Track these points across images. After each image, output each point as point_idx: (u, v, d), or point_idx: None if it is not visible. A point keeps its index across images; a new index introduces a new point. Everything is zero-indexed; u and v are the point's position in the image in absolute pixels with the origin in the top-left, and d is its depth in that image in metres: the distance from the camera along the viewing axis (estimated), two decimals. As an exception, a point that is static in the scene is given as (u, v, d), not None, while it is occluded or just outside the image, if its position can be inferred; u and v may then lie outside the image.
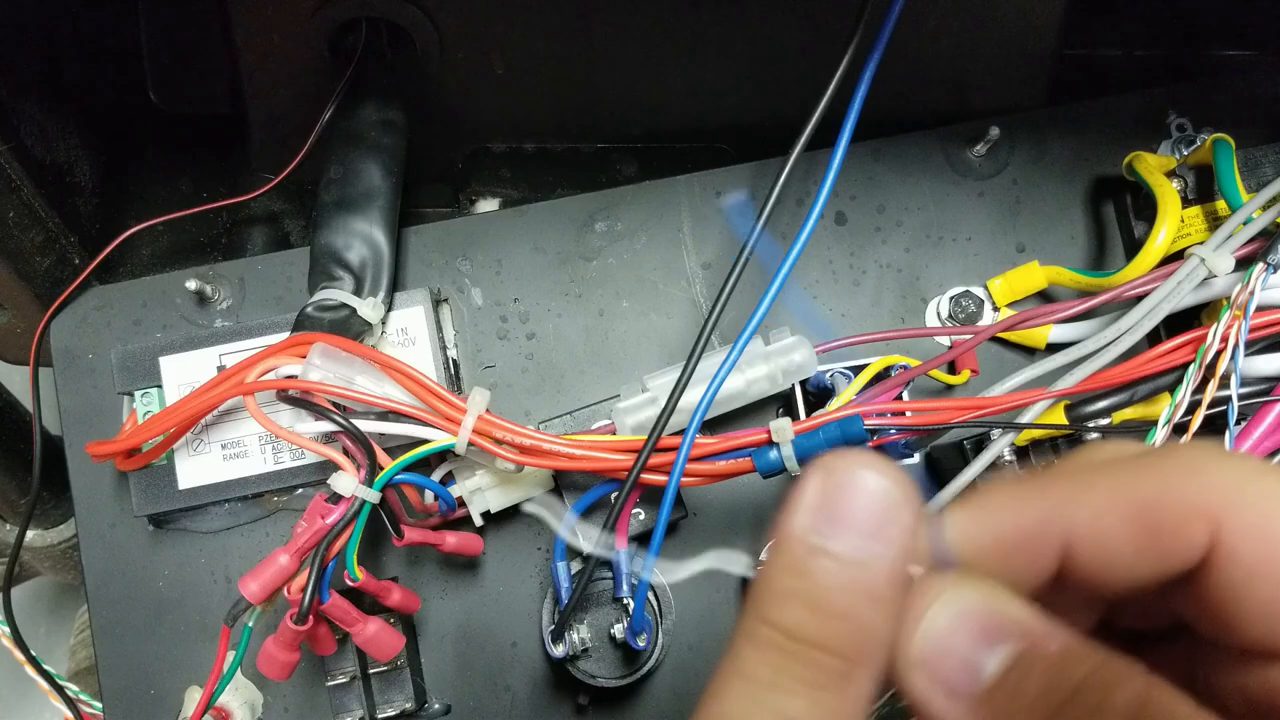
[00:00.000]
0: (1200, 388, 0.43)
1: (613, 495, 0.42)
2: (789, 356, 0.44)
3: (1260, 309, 0.43)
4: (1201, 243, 0.44)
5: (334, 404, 0.41)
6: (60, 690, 0.51)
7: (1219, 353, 0.43)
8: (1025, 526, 0.21)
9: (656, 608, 0.46)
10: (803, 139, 0.42)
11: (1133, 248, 0.49)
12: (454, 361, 0.48)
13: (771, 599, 0.20)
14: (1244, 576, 0.20)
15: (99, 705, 0.48)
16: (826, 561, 0.20)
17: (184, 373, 0.46)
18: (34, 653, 0.50)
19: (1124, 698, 0.18)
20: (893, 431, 0.43)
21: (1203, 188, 0.47)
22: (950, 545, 0.22)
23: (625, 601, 0.44)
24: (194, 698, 0.45)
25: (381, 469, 0.41)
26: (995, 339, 0.48)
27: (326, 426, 0.41)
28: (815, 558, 0.20)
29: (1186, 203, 0.46)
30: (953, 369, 0.48)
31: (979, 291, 0.49)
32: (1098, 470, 0.21)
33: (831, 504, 0.20)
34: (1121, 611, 0.24)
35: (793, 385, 0.45)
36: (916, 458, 0.45)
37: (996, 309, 0.49)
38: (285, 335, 0.43)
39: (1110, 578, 0.21)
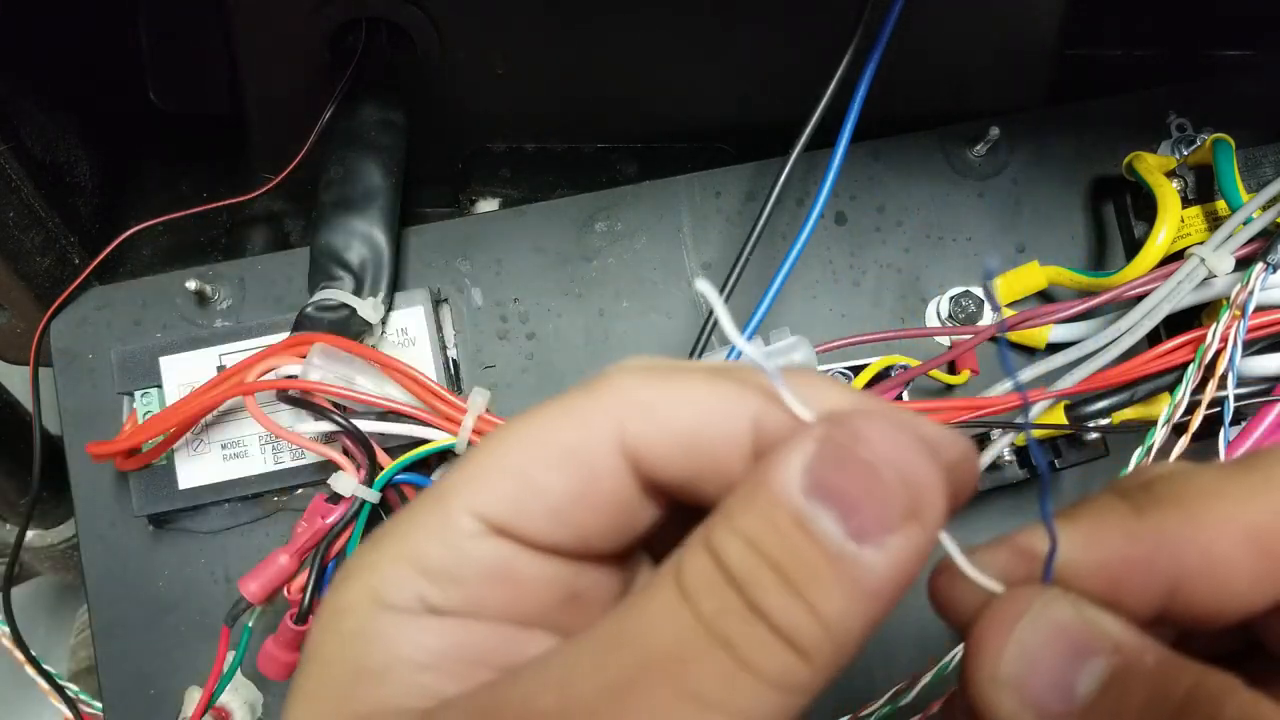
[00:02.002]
0: (1200, 387, 0.43)
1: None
2: (789, 356, 0.44)
3: (1260, 309, 0.43)
4: (1201, 243, 0.44)
5: (334, 404, 0.41)
6: (60, 690, 0.51)
7: (1219, 352, 0.43)
8: (1137, 555, 0.20)
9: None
10: (803, 139, 0.42)
11: (1133, 248, 0.49)
12: (454, 361, 0.48)
13: (728, 533, 0.18)
14: None
15: (99, 705, 0.48)
16: (811, 547, 0.17)
17: (184, 373, 0.46)
18: (34, 653, 0.50)
19: (1234, 712, 0.17)
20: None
21: (1203, 188, 0.47)
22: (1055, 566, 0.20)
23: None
24: (194, 698, 0.45)
25: (381, 469, 0.41)
26: (995, 339, 0.48)
27: (326, 426, 0.41)
28: (803, 536, 0.17)
29: (1186, 203, 0.46)
30: (953, 369, 0.48)
31: (979, 291, 0.49)
32: (1204, 497, 0.20)
33: (835, 471, 0.17)
34: (1190, 639, 0.22)
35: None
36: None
37: (997, 309, 0.49)
38: (285, 335, 0.43)
39: (1223, 610, 0.19)
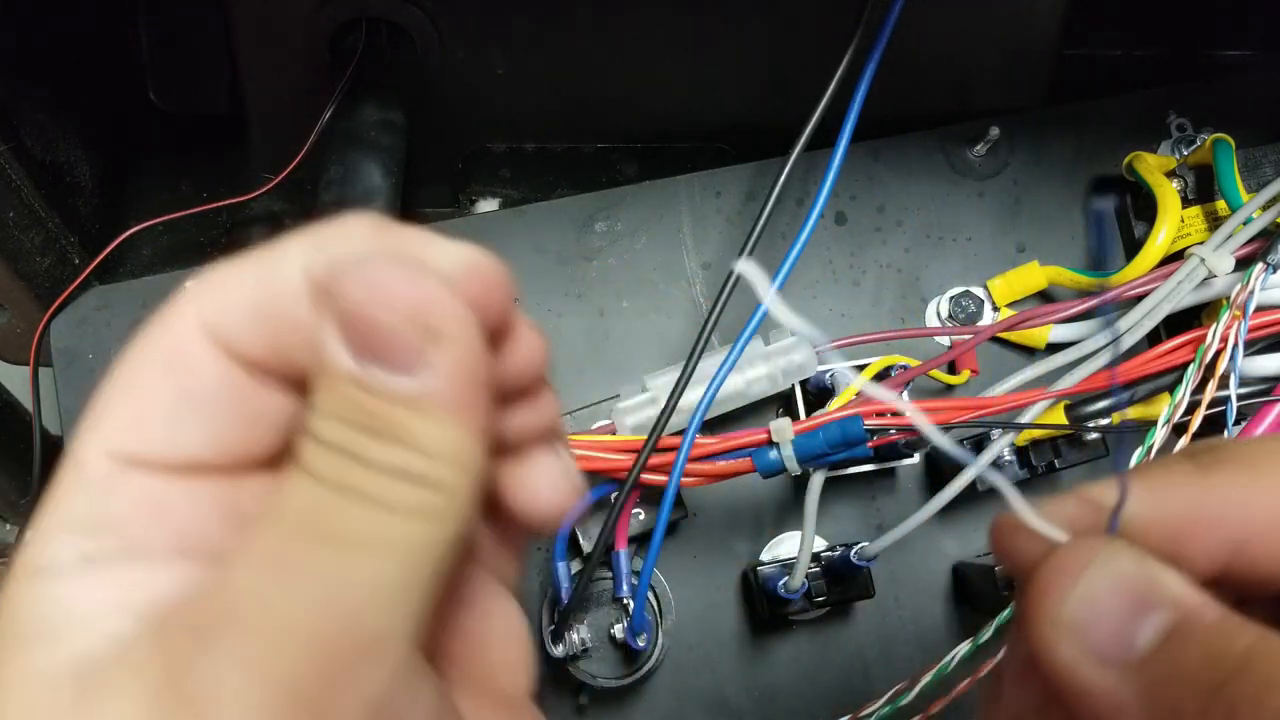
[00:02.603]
0: (1200, 387, 0.43)
1: (612, 495, 0.42)
2: (789, 356, 0.44)
3: (1260, 309, 0.43)
4: (1201, 243, 0.44)
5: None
6: (60, 690, 0.51)
7: (1219, 352, 0.43)
8: (1203, 513, 0.20)
9: (656, 608, 0.46)
10: (803, 139, 0.42)
11: (1133, 248, 0.49)
12: (454, 361, 0.48)
13: (320, 419, 0.19)
14: None
15: (99, 705, 0.48)
16: (370, 398, 0.18)
17: (184, 373, 0.46)
18: (34, 653, 0.50)
19: None
20: (893, 431, 0.43)
21: (1203, 188, 0.47)
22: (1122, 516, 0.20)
23: (625, 601, 0.44)
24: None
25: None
26: (995, 339, 0.48)
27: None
28: (368, 394, 0.18)
29: (1186, 203, 0.46)
30: (953, 369, 0.48)
31: (979, 291, 0.49)
32: (1271, 459, 0.20)
33: (357, 326, 0.18)
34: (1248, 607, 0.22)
35: (793, 385, 0.45)
36: (917, 458, 0.45)
37: (996, 309, 0.49)
38: (285, 335, 0.43)
39: None
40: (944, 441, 0.20)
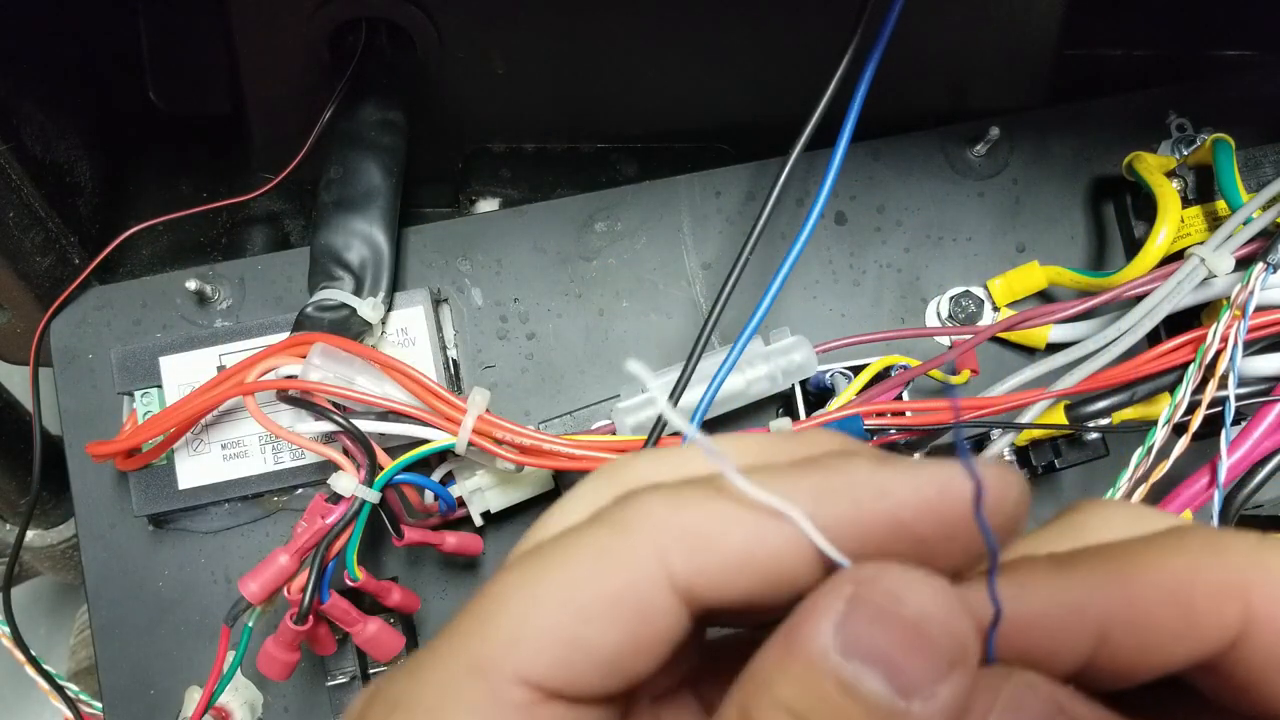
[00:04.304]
0: (1200, 388, 0.43)
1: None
2: (789, 356, 0.44)
3: (1260, 309, 0.43)
4: (1201, 243, 0.44)
5: (334, 404, 0.41)
6: (60, 690, 0.51)
7: (1219, 353, 0.43)
8: (1065, 607, 0.19)
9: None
10: (803, 139, 0.42)
11: (1133, 248, 0.49)
12: (454, 361, 0.48)
13: (773, 709, 0.17)
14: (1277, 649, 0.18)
15: (99, 705, 0.48)
16: (860, 710, 0.17)
17: (184, 373, 0.46)
18: (34, 653, 0.50)
19: None
20: (893, 431, 0.43)
21: (1203, 188, 0.47)
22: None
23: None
24: (194, 698, 0.45)
25: (381, 469, 0.41)
26: (995, 339, 0.48)
27: (326, 426, 0.41)
28: (852, 701, 0.17)
29: (1186, 203, 0.46)
30: (953, 369, 0.48)
31: (979, 291, 0.49)
32: (1124, 551, 0.20)
33: (873, 629, 0.17)
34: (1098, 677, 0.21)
35: (793, 385, 0.45)
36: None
37: (996, 309, 0.49)
38: (285, 335, 0.43)
39: (1147, 662, 0.19)
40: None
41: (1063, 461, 0.47)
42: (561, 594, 0.18)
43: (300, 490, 0.47)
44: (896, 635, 0.17)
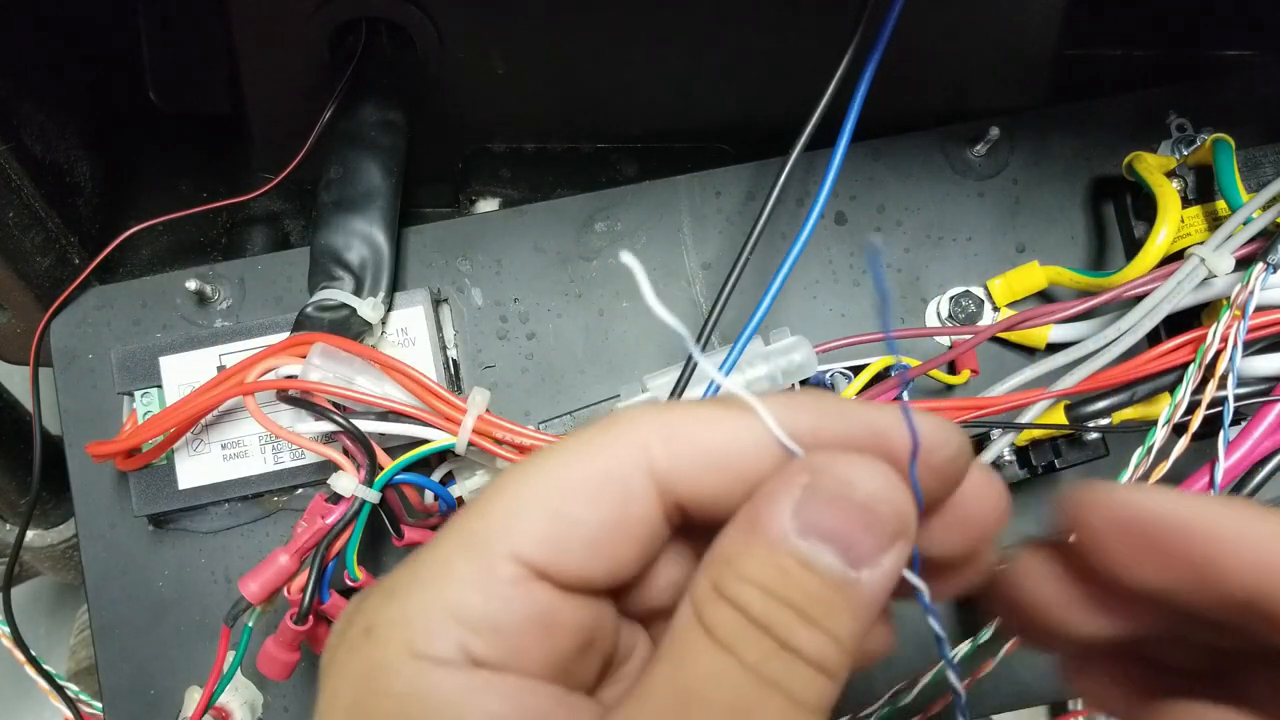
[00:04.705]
0: (1200, 388, 0.43)
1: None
2: (789, 356, 0.44)
3: (1260, 309, 0.43)
4: (1201, 243, 0.44)
5: (334, 404, 0.41)
6: (60, 690, 0.51)
7: (1219, 352, 0.43)
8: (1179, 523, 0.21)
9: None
10: (803, 139, 0.42)
11: (1133, 248, 0.49)
12: (454, 361, 0.48)
13: (740, 583, 0.19)
14: None
15: (99, 705, 0.48)
16: (819, 582, 0.19)
17: (184, 373, 0.46)
18: (34, 653, 0.50)
19: None
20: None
21: (1203, 188, 0.47)
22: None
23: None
24: (194, 698, 0.45)
25: (381, 469, 0.41)
26: (995, 339, 0.48)
27: (326, 426, 0.41)
28: (811, 574, 0.19)
29: (1186, 203, 0.46)
30: (953, 369, 0.48)
31: (979, 291, 0.49)
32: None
33: (826, 511, 0.19)
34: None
35: (793, 385, 0.45)
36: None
37: (996, 309, 0.49)
38: (285, 335, 0.43)
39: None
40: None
41: (1063, 461, 0.47)
42: (551, 476, 0.20)
43: (300, 490, 0.47)
44: (848, 516, 0.19)
